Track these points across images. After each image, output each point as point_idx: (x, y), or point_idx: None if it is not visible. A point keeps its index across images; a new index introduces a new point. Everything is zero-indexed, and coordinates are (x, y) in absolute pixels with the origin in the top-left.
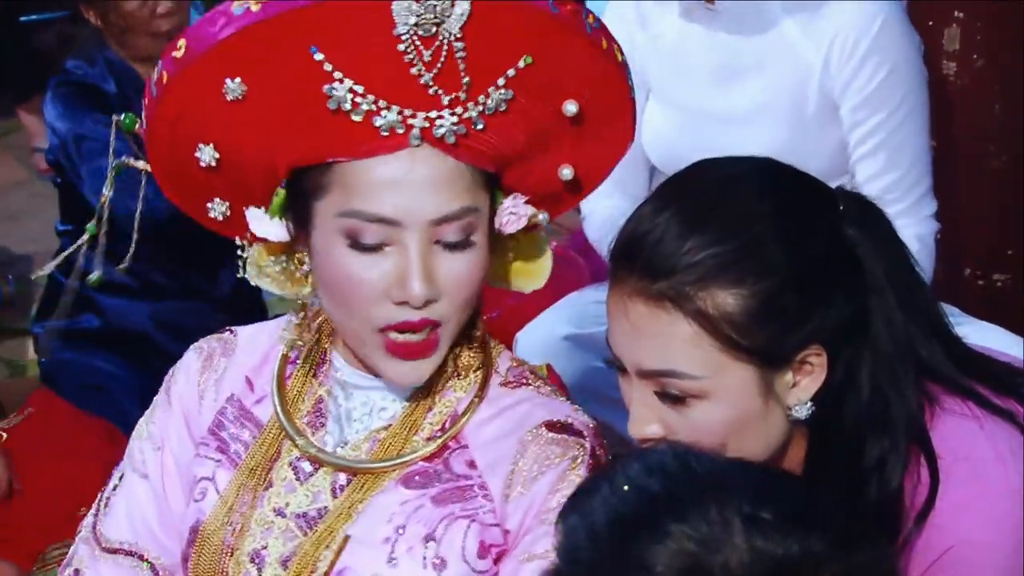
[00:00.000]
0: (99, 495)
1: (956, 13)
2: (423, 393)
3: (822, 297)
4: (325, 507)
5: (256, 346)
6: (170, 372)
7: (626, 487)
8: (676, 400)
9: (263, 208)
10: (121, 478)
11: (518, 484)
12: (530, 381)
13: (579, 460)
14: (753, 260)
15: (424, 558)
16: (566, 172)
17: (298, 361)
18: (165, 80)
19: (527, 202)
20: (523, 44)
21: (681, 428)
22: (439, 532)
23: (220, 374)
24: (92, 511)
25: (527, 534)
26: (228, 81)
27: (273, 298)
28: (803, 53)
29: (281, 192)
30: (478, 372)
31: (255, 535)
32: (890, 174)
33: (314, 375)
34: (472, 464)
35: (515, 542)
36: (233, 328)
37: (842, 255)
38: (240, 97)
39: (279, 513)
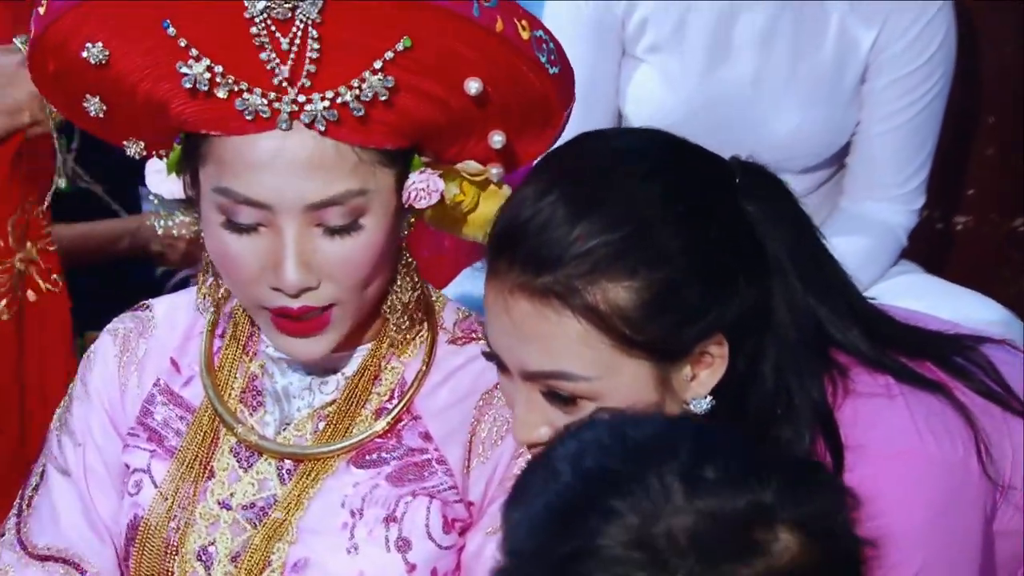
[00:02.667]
0: (20, 493)
1: None
2: (365, 362)
3: (722, 284)
4: (273, 495)
5: (175, 321)
6: (84, 359)
7: (561, 470)
8: (565, 402)
9: (164, 158)
10: (42, 475)
11: (477, 453)
12: (480, 335)
13: None
14: (645, 248)
15: (387, 540)
16: (497, 139)
17: (225, 336)
18: (32, 35)
19: (448, 171)
20: (397, 26)
21: None
22: (399, 512)
23: (141, 357)
24: (13, 512)
25: (491, 504)
26: (89, 45)
27: None
28: (849, 27)
29: (177, 148)
30: (422, 331)
31: (200, 531)
32: (898, 157)
33: (243, 349)
34: (427, 436)
35: (480, 513)
36: (148, 302)
37: (742, 235)
38: (104, 61)
39: (224, 505)
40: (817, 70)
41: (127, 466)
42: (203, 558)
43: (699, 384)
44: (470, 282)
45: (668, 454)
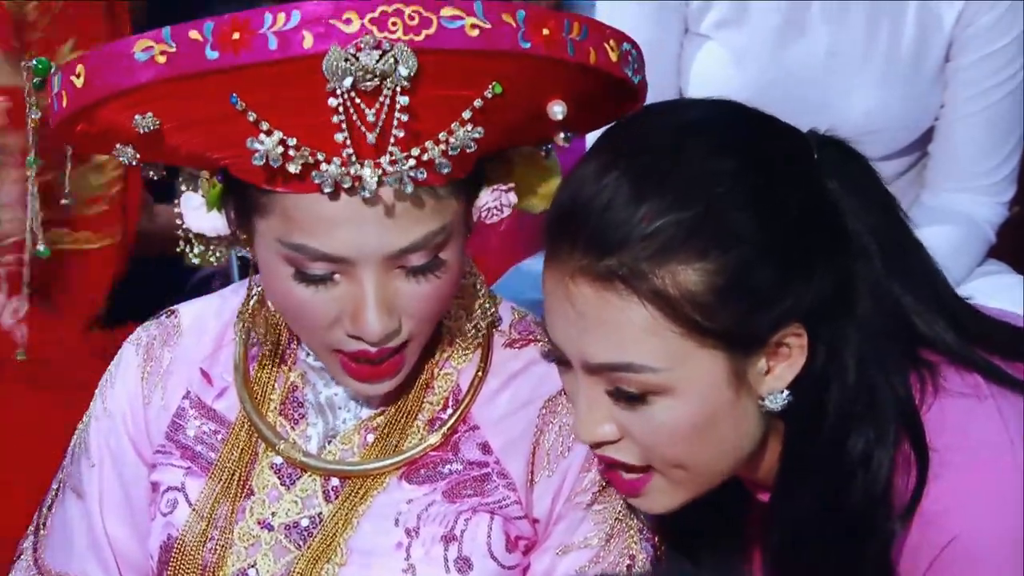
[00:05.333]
0: (37, 512)
1: None
2: (417, 369)
3: (800, 267)
4: (319, 514)
5: (204, 328)
6: (105, 374)
7: None
8: (632, 400)
9: (200, 192)
10: (58, 493)
11: (542, 466)
12: (539, 336)
13: None
14: (717, 228)
15: (445, 560)
16: (561, 136)
17: (259, 344)
18: (64, 104)
19: (509, 189)
20: (488, 74)
21: (639, 429)
22: (458, 529)
23: (165, 367)
24: (31, 529)
25: (559, 521)
26: (138, 117)
27: None
28: (931, 2)
29: (217, 184)
30: (478, 336)
31: (240, 553)
32: (984, 144)
33: (281, 359)
34: (486, 448)
35: (546, 531)
36: (174, 308)
37: (821, 215)
38: (153, 128)
39: (265, 526)
40: (896, 46)
41: (156, 485)
42: None
43: (775, 378)
44: (516, 281)
45: None
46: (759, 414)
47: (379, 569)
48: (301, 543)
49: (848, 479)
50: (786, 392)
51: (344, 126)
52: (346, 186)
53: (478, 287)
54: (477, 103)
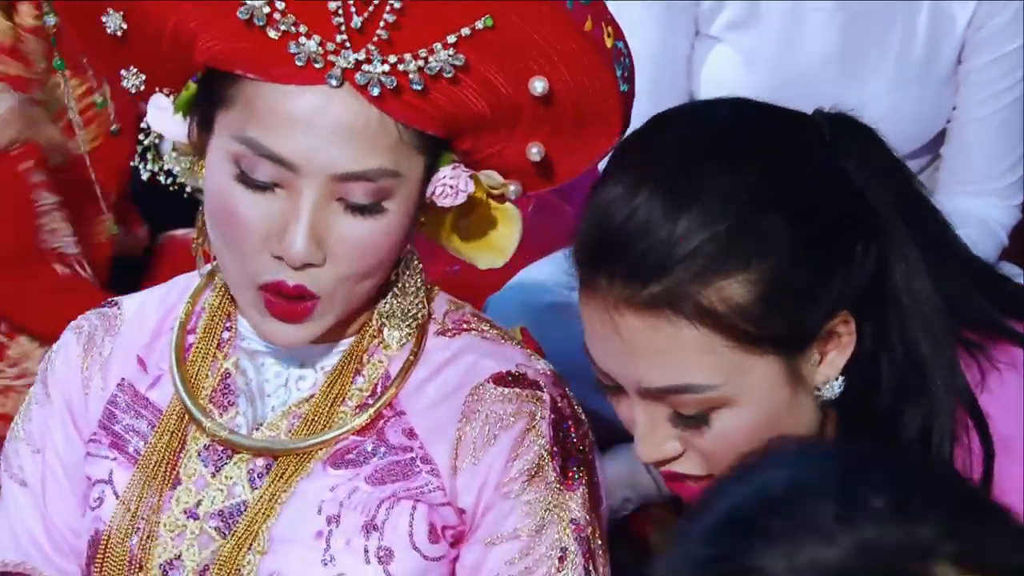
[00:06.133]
0: None
1: None
2: (347, 356)
3: (839, 255)
4: (243, 501)
5: (145, 319)
6: (44, 360)
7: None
8: (691, 422)
9: (171, 96)
10: None
11: (467, 454)
12: (472, 326)
13: (538, 417)
14: (752, 235)
15: (366, 551)
16: (534, 151)
17: (197, 330)
18: None
19: (474, 176)
20: (483, 7)
21: (702, 442)
22: (380, 518)
23: (106, 356)
24: None
25: (487, 512)
26: None
27: None
28: (943, 3)
29: (192, 86)
30: (411, 323)
31: (165, 543)
32: (996, 147)
33: (217, 346)
34: (411, 433)
35: (475, 522)
36: (116, 299)
37: (848, 199)
38: None
39: (191, 515)
40: (908, 48)
41: (88, 478)
42: (169, 573)
43: (828, 366)
44: (517, 292)
45: (830, 482)
46: (815, 405)
47: (298, 558)
48: (226, 531)
49: None
50: (840, 379)
51: (332, 4)
52: (317, 66)
53: (416, 279)
54: (465, 31)
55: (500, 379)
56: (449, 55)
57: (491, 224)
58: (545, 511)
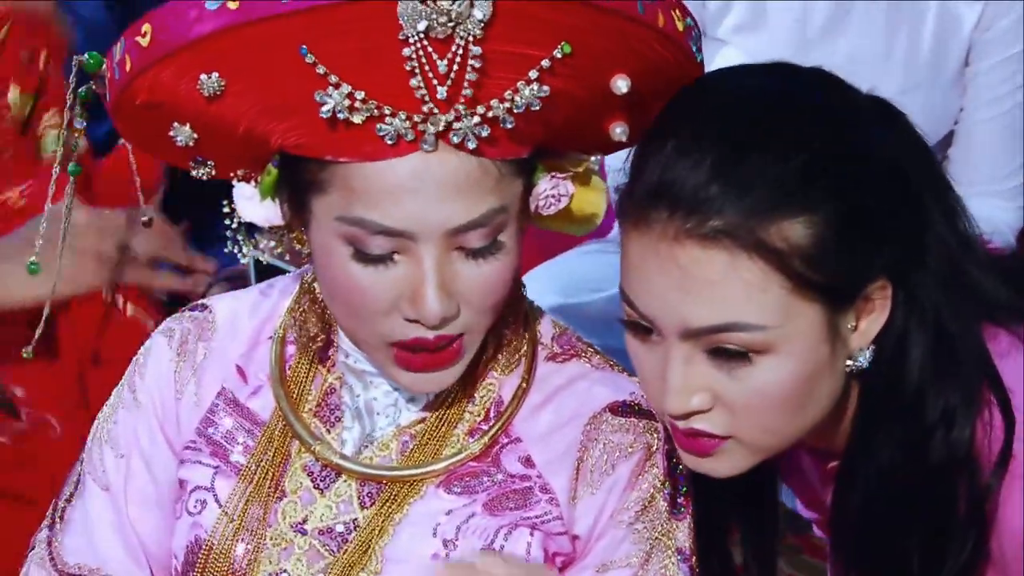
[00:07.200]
0: (52, 504)
1: None
2: (461, 379)
3: (890, 219)
4: (354, 520)
5: (239, 325)
6: (133, 363)
7: None
8: (735, 358)
9: (252, 183)
10: (77, 484)
11: (586, 483)
12: (580, 351)
13: (654, 447)
14: (818, 180)
15: None
16: (619, 131)
17: (297, 344)
18: (128, 68)
19: (567, 177)
20: (558, 32)
21: (736, 394)
22: (498, 544)
23: (199, 361)
24: (46, 523)
25: (600, 539)
26: (203, 77)
27: None
28: (950, 3)
29: (273, 171)
30: (522, 347)
31: (272, 557)
32: (1003, 148)
33: (319, 359)
34: (529, 462)
35: (586, 549)
36: (206, 302)
37: (898, 167)
38: (218, 92)
39: (298, 530)
40: (916, 51)
41: (183, 483)
42: None
43: (861, 335)
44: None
45: None
46: (843, 374)
47: None
48: (336, 549)
49: (927, 436)
50: (871, 348)
51: (417, 72)
52: (409, 139)
53: (523, 303)
54: (545, 63)
55: (617, 408)
56: (533, 91)
57: (585, 194)
58: (655, 540)
